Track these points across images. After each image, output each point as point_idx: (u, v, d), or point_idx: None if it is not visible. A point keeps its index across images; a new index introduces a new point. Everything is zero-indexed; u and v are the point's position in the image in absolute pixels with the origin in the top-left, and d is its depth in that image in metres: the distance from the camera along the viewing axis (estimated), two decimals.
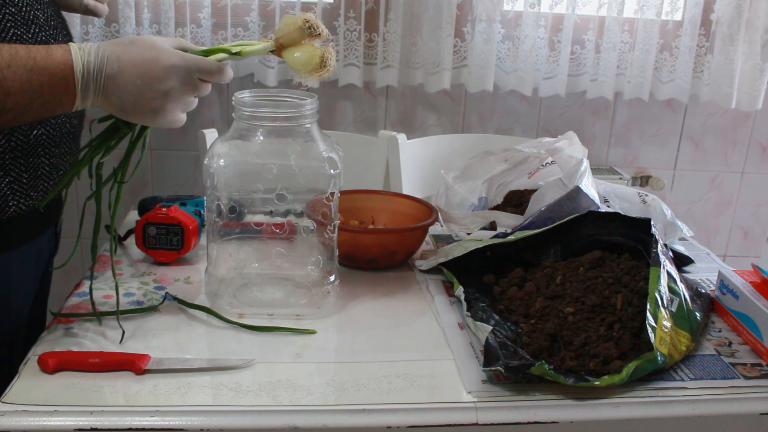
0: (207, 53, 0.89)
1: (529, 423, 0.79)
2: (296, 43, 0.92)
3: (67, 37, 1.02)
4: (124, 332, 0.90)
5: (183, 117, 0.88)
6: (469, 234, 1.19)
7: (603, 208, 1.13)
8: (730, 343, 0.96)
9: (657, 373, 0.86)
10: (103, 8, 1.16)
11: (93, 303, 0.94)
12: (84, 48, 0.81)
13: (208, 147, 1.39)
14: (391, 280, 1.12)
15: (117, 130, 0.90)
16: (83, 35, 2.00)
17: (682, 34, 2.15)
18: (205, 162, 0.96)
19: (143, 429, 0.74)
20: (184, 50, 0.87)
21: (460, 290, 1.01)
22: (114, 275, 0.97)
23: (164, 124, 0.86)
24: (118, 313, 0.93)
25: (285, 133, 0.95)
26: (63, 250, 1.10)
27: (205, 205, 1.01)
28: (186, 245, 1.12)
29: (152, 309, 0.98)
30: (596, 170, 2.29)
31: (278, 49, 0.92)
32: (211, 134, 1.74)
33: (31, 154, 0.95)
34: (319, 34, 0.92)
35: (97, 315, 0.94)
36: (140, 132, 0.92)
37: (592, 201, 1.12)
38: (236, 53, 0.91)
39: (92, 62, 0.81)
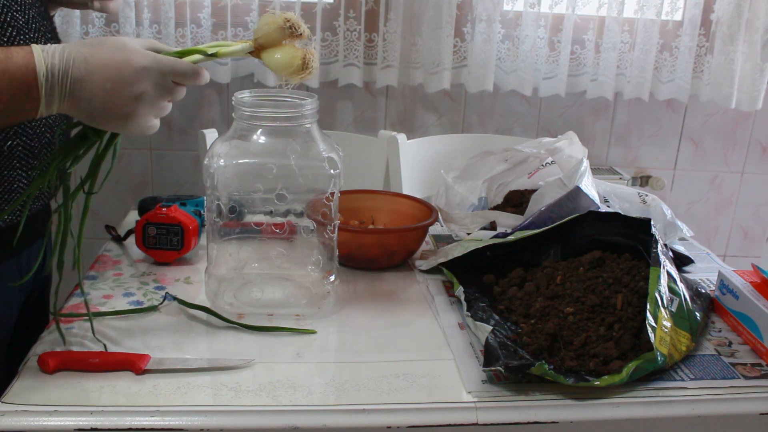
0: (181, 54, 0.83)
1: (529, 423, 0.79)
2: (276, 44, 0.87)
3: (53, 41, 0.98)
4: (105, 345, 0.89)
5: (156, 123, 0.82)
6: (469, 234, 1.19)
7: (603, 208, 1.13)
8: (730, 343, 0.96)
9: (657, 373, 0.86)
10: (115, 6, 1.06)
11: (89, 307, 0.93)
12: (47, 50, 0.75)
13: (208, 147, 1.39)
14: (391, 280, 1.12)
15: (85, 137, 0.84)
16: (83, 35, 2.00)
17: (682, 34, 2.15)
18: (205, 162, 0.96)
19: (143, 429, 0.74)
20: (157, 51, 0.82)
21: (460, 290, 1.01)
22: (82, 290, 0.93)
23: (136, 131, 0.81)
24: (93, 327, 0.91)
25: (285, 133, 0.95)
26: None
27: (205, 205, 1.01)
28: (186, 245, 1.12)
29: (152, 309, 0.98)
30: (596, 170, 2.29)
31: (257, 50, 0.87)
32: (211, 134, 1.74)
33: (6, 166, 0.90)
34: (301, 34, 0.87)
35: (94, 315, 0.94)
36: (110, 139, 0.85)
37: (592, 201, 1.12)
38: (212, 54, 0.85)
39: (57, 65, 0.75)
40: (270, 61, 0.87)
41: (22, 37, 0.89)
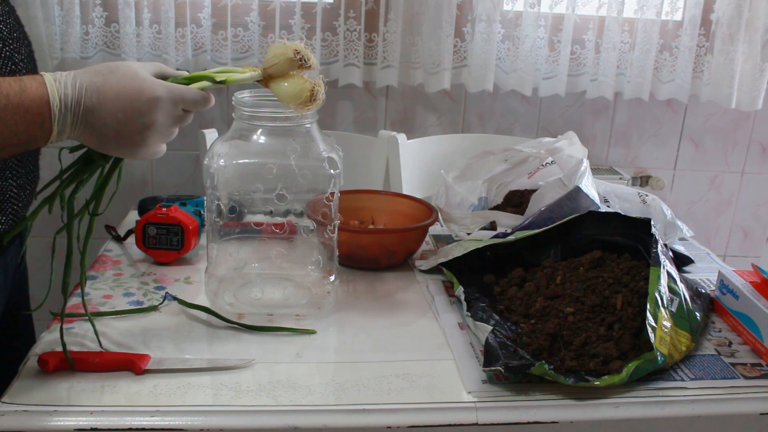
0: (189, 80, 0.84)
1: (529, 423, 0.79)
2: (285, 74, 0.88)
3: (29, 48, 0.97)
4: (100, 343, 0.88)
5: (163, 148, 0.83)
6: (469, 234, 1.19)
7: (603, 208, 1.13)
8: (730, 343, 0.96)
9: (657, 373, 0.86)
10: None
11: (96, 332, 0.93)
12: (60, 80, 0.75)
13: (208, 147, 1.39)
14: (391, 280, 1.12)
15: (91, 161, 0.84)
16: (83, 35, 2.00)
17: (682, 34, 2.15)
18: (205, 162, 0.96)
19: (143, 429, 0.74)
20: (164, 77, 0.83)
21: (460, 290, 1.01)
22: (86, 310, 0.92)
23: (144, 157, 0.81)
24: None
25: (285, 133, 0.95)
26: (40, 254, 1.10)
27: (205, 205, 1.01)
28: (186, 245, 1.12)
29: (152, 309, 0.98)
30: (596, 170, 2.29)
31: (265, 80, 0.88)
32: (211, 134, 1.74)
33: None
34: (310, 66, 0.88)
35: (94, 315, 0.94)
36: (115, 162, 0.86)
37: (592, 201, 1.12)
38: (221, 82, 0.86)
39: (69, 95, 0.75)
40: (278, 91, 0.88)
41: (7, 48, 0.90)
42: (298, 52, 0.87)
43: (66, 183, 0.84)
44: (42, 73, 0.76)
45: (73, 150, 0.85)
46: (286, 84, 0.88)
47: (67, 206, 0.85)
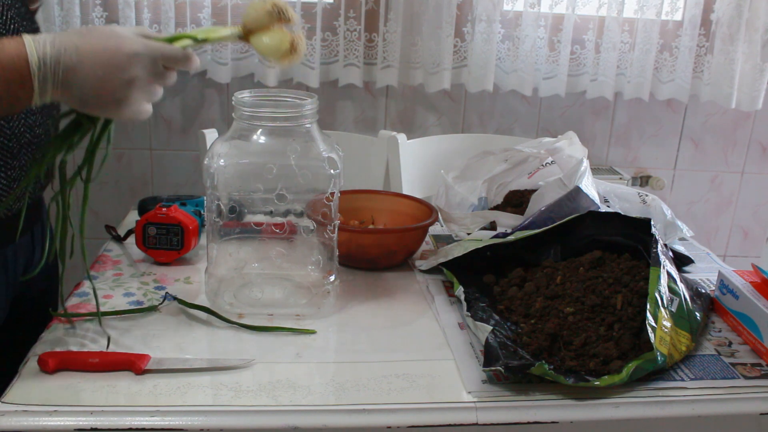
0: (171, 40, 0.84)
1: (529, 423, 0.79)
2: (264, 29, 0.88)
3: None
4: (109, 338, 0.89)
5: (148, 108, 0.83)
6: (469, 234, 1.19)
7: (603, 208, 1.13)
8: (730, 343, 0.96)
9: (657, 373, 0.86)
10: None
11: (97, 301, 0.93)
12: (38, 39, 0.76)
13: (208, 147, 1.39)
14: (391, 280, 1.12)
15: (79, 125, 0.85)
16: None
17: (682, 34, 2.15)
18: (205, 162, 0.96)
19: (143, 429, 0.74)
20: (147, 38, 0.82)
21: (460, 290, 1.01)
22: (90, 280, 0.94)
23: (129, 116, 0.82)
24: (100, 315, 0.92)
25: (285, 133, 0.95)
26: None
27: (205, 205, 1.01)
28: (186, 245, 1.12)
29: (152, 309, 0.98)
30: (596, 170, 2.29)
31: (246, 35, 0.89)
32: (211, 134, 1.74)
33: None
34: (288, 18, 0.88)
35: (94, 315, 0.94)
36: (104, 126, 0.87)
37: (592, 201, 1.12)
38: (202, 39, 0.86)
39: (48, 53, 0.76)
40: (258, 45, 0.89)
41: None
42: (276, 5, 0.87)
43: (55, 146, 0.85)
44: (23, 34, 0.77)
45: (63, 115, 0.86)
46: (265, 38, 0.88)
47: (59, 171, 0.86)
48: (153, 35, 0.84)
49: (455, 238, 1.26)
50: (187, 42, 0.85)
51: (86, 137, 0.86)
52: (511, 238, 1.07)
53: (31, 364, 0.83)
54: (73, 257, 0.91)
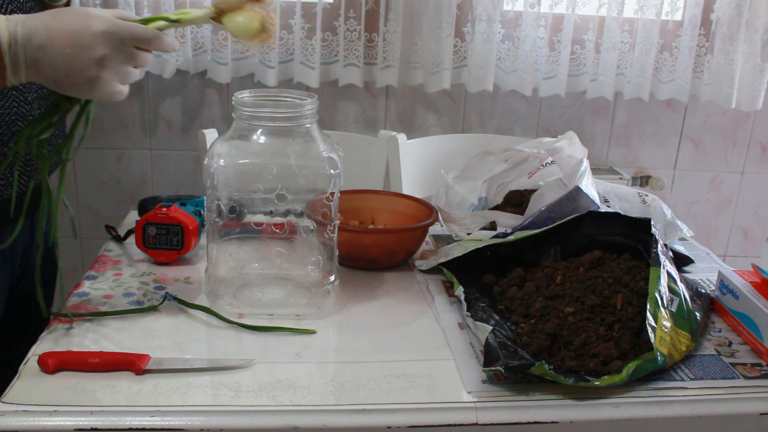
0: (146, 21, 0.86)
1: (529, 423, 0.79)
2: (236, 9, 0.89)
3: None
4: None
5: (123, 89, 0.84)
6: (469, 234, 1.19)
7: (603, 208, 1.13)
8: (730, 343, 0.96)
9: (657, 373, 0.86)
10: None
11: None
12: (12, 19, 0.78)
13: (208, 147, 1.39)
14: (391, 280, 1.12)
15: (58, 106, 0.87)
16: None
17: (682, 34, 2.15)
18: (205, 162, 0.96)
19: (143, 429, 0.74)
20: (122, 19, 0.84)
21: (460, 290, 1.01)
22: (53, 241, 0.95)
23: (102, 96, 0.83)
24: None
25: (285, 133, 0.95)
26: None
27: (205, 205, 1.01)
28: (186, 245, 1.12)
29: (152, 309, 0.98)
30: (596, 170, 2.29)
31: (218, 16, 0.90)
32: (211, 134, 1.74)
33: None
34: None
35: (94, 315, 0.94)
36: (83, 107, 0.89)
37: (592, 201, 1.12)
38: (175, 20, 0.88)
39: (20, 33, 0.77)
40: (229, 24, 0.90)
41: None
42: None
43: (33, 127, 0.87)
44: None
45: (44, 99, 0.87)
46: (239, 18, 0.89)
47: (36, 150, 0.88)
48: (130, 17, 0.85)
49: (455, 238, 1.26)
50: (161, 23, 0.87)
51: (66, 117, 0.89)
52: (511, 238, 1.07)
53: (31, 364, 0.83)
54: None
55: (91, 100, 0.88)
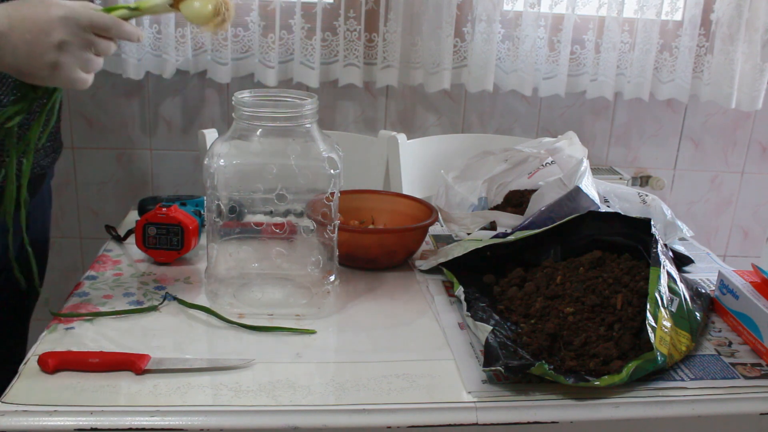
0: (109, 10, 0.88)
1: (529, 423, 0.79)
2: None
3: None
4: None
5: (85, 77, 0.86)
6: (469, 234, 1.19)
7: (603, 208, 1.13)
8: (730, 343, 0.96)
9: (657, 373, 0.86)
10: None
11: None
12: None
13: (208, 147, 1.39)
14: (391, 280, 1.12)
15: (25, 96, 0.89)
16: None
17: (682, 34, 2.15)
18: (205, 162, 0.96)
19: (143, 429, 0.74)
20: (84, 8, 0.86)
21: (460, 290, 1.01)
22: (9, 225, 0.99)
23: (64, 83, 0.85)
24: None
25: (285, 133, 0.95)
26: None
27: (205, 205, 1.01)
28: (186, 245, 1.12)
29: (152, 309, 0.98)
30: (596, 170, 2.29)
31: (176, 3, 0.91)
32: (211, 134, 1.74)
33: None
34: None
35: (94, 315, 0.94)
36: (50, 95, 0.91)
37: (592, 201, 1.12)
38: (134, 8, 0.90)
39: None
40: (186, 11, 0.90)
41: None
42: None
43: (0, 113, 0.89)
44: None
45: (13, 88, 0.90)
46: (196, 4, 0.90)
47: (4, 138, 0.90)
48: (93, 7, 0.87)
49: (455, 238, 1.26)
50: (122, 12, 0.89)
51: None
52: (511, 238, 1.07)
53: (31, 364, 0.83)
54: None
55: (58, 89, 0.89)
